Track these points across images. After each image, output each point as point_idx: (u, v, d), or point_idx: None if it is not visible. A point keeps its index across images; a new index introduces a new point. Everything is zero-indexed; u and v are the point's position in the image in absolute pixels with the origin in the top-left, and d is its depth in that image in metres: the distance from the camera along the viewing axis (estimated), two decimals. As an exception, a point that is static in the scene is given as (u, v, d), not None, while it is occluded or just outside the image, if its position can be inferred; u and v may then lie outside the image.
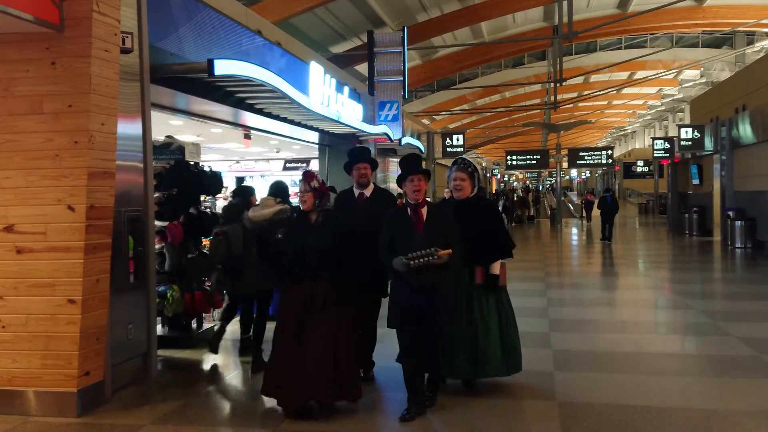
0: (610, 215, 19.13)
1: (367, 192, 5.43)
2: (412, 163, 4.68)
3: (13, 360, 4.72)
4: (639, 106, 43.80)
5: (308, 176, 4.71)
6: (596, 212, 28.33)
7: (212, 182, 7.25)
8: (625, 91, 36.25)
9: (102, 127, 4.73)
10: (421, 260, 4.28)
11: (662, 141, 24.95)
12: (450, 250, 4.36)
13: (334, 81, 9.92)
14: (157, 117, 6.20)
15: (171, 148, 7.13)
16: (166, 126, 7.89)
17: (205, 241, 7.45)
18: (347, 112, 10.52)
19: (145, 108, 5.58)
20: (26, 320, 4.69)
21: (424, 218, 4.55)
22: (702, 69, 29.88)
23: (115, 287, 5.11)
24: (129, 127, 5.36)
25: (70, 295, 4.63)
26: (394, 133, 13.60)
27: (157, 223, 6.30)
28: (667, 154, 24.20)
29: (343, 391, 4.59)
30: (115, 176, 4.93)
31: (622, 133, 59.73)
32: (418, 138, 20.16)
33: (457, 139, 23.14)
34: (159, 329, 6.55)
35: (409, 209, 4.59)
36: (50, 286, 4.65)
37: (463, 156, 5.98)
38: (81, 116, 4.59)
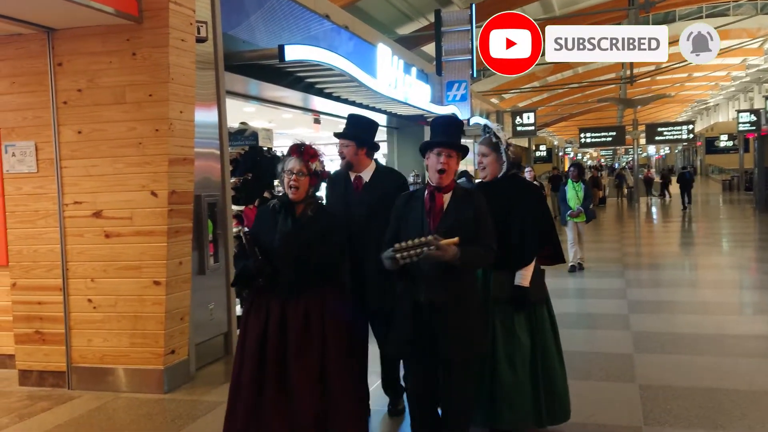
0: (688, 187, 22.57)
1: (366, 175, 3.94)
2: (443, 130, 3.25)
3: (104, 339, 4.99)
4: (722, 77, 41.55)
5: (308, 152, 3.26)
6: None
7: (285, 167, 7.38)
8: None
9: (180, 115, 4.88)
10: (412, 252, 2.89)
11: (748, 114, 23.84)
12: (457, 239, 2.93)
13: (401, 62, 9.90)
14: (230, 104, 6.36)
15: (245, 134, 7.31)
16: (239, 113, 8.08)
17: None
18: (415, 93, 10.47)
19: (220, 95, 5.74)
20: (115, 301, 4.94)
21: (444, 208, 3.17)
22: (791, 36, 28.04)
23: (196, 269, 5.31)
24: (206, 115, 5.52)
25: (155, 277, 4.84)
26: (463, 114, 13.44)
27: (234, 207, 6.48)
28: (754, 128, 23.08)
29: None
30: (194, 162, 5.09)
31: (704, 106, 56.92)
32: (487, 117, 19.87)
33: (528, 118, 22.64)
34: (238, 309, 6.76)
35: (426, 193, 3.23)
36: (137, 269, 4.88)
37: (487, 125, 5.12)
38: (161, 105, 4.76)
